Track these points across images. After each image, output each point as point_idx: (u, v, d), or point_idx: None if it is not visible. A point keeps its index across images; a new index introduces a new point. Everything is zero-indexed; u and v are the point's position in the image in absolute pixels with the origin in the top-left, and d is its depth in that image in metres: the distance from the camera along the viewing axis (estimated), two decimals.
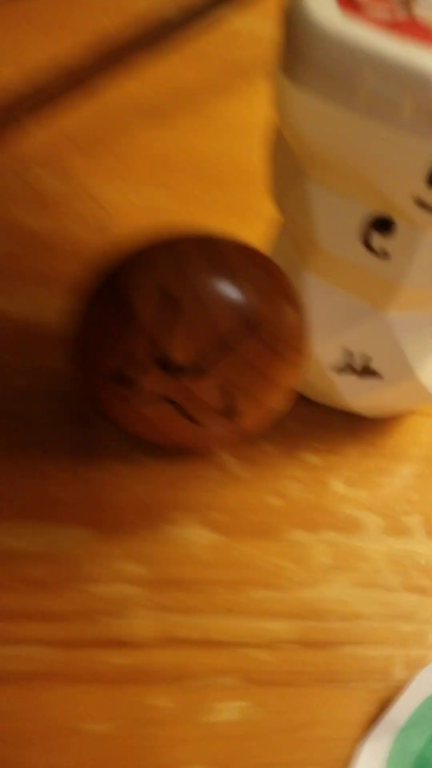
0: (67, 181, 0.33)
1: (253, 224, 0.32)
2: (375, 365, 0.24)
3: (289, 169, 0.22)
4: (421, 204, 0.19)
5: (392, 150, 0.18)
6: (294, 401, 0.27)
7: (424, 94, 0.17)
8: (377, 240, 0.21)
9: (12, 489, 0.23)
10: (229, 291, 0.21)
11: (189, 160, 0.35)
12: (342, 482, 0.25)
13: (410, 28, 0.18)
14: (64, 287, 0.26)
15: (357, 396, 0.25)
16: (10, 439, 0.24)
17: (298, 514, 0.24)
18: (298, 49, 0.18)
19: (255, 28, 0.39)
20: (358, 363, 0.24)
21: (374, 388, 0.25)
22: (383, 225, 0.20)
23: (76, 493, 0.23)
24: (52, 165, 0.33)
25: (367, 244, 0.21)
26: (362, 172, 0.19)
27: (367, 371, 0.24)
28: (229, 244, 0.22)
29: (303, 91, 0.18)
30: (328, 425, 0.27)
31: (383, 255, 0.21)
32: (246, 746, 0.20)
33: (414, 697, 0.20)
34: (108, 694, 0.20)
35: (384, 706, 0.20)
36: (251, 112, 0.33)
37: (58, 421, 0.24)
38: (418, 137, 0.18)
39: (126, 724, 0.20)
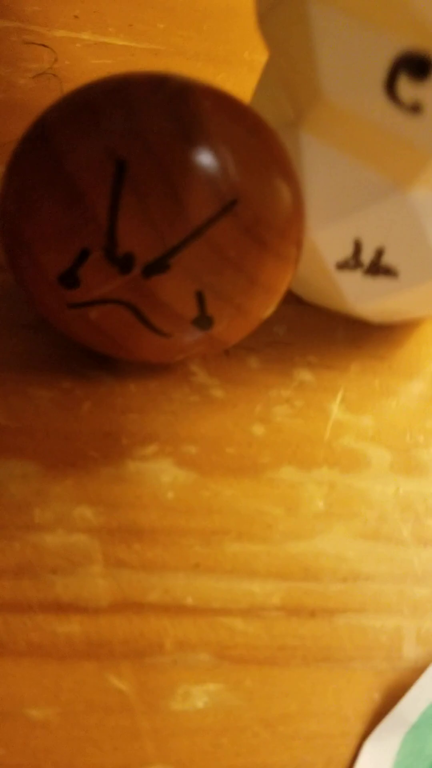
0: (10, 20, 0.26)
1: (236, 71, 0.26)
2: (390, 260, 0.19)
3: None
4: None
5: None
6: (284, 303, 0.22)
7: None
8: (407, 88, 0.15)
9: None
10: (200, 156, 0.15)
11: None
12: (341, 406, 0.20)
13: None
14: (5, 152, 0.21)
15: (363, 298, 0.20)
16: None
17: (287, 447, 0.19)
18: None
19: None
20: (368, 257, 0.19)
21: (386, 289, 0.20)
22: (418, 66, 0.15)
23: (23, 418, 0.18)
24: None
25: (393, 93, 0.15)
26: None
27: (378, 267, 0.19)
28: (201, 92, 0.16)
29: None
30: (325, 333, 0.22)
31: (414, 109, 0.15)
32: (217, 742, 0.16)
33: (430, 686, 0.15)
34: (54, 671, 0.16)
35: (391, 692, 0.16)
36: None
37: (1, 330, 0.19)
38: None
39: (74, 711, 0.16)
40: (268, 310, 0.19)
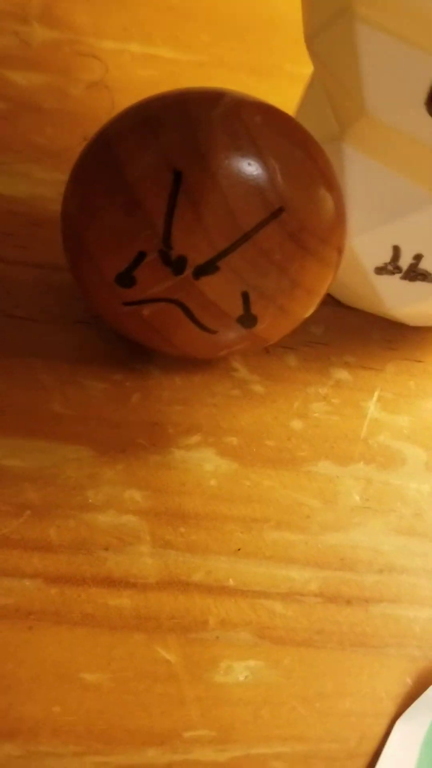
0: (62, 30, 0.28)
1: (279, 84, 0.27)
2: (427, 266, 0.20)
3: (334, 4, 0.17)
4: None
5: None
6: (322, 305, 0.23)
7: None
8: None
9: (5, 400, 0.19)
10: (250, 167, 0.16)
11: (202, 8, 0.29)
12: (377, 405, 0.21)
13: None
14: (62, 160, 0.22)
15: (401, 302, 0.21)
16: (3, 344, 0.20)
17: (324, 442, 0.20)
18: None
19: None
20: (406, 262, 0.20)
21: (423, 294, 0.21)
22: None
23: (78, 407, 0.19)
24: (47, 15, 0.27)
25: None
26: None
27: (416, 273, 0.20)
28: (252, 107, 0.17)
29: None
30: (363, 335, 0.23)
31: None
32: (257, 713, 0.17)
33: None
34: (106, 641, 0.17)
35: (423, 678, 0.17)
36: None
37: (58, 325, 0.20)
38: None
39: (124, 677, 0.17)
40: (309, 311, 0.20)
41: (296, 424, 0.21)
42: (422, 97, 0.16)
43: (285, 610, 0.18)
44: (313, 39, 0.18)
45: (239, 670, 0.17)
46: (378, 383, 0.22)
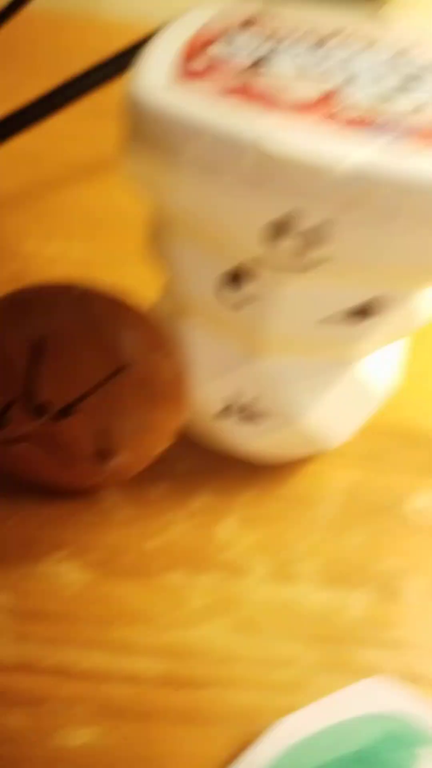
0: None
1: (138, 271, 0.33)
2: (258, 410, 0.25)
3: (157, 218, 0.23)
4: (269, 256, 0.20)
5: (230, 210, 0.19)
6: (189, 446, 0.28)
7: (246, 156, 0.18)
8: (236, 291, 0.22)
9: None
10: (98, 335, 0.22)
11: (115, 216, 0.37)
12: (230, 526, 0.26)
13: (248, 93, 0.19)
14: None
15: (242, 441, 0.26)
16: None
17: (179, 557, 0.25)
18: (131, 122, 0.19)
19: None
20: (241, 408, 0.25)
21: (258, 434, 0.25)
22: (241, 276, 0.21)
23: None
24: None
25: (229, 294, 0.22)
26: (212, 229, 0.20)
27: (250, 416, 0.25)
28: (98, 294, 0.23)
29: (141, 159, 0.19)
30: (222, 470, 0.27)
31: (244, 304, 0.22)
32: None
33: (273, 744, 0.20)
34: None
35: (243, 750, 0.20)
36: None
37: None
38: (252, 196, 0.18)
39: None
40: (161, 447, 0.25)
41: (153, 544, 0.25)
42: (219, 283, 0.22)
43: (126, 691, 0.21)
44: (150, 248, 0.24)
45: (80, 736, 0.21)
46: (235, 507, 0.26)
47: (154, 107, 0.18)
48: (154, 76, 0.19)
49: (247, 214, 0.19)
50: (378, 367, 0.25)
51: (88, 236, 0.36)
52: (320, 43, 0.22)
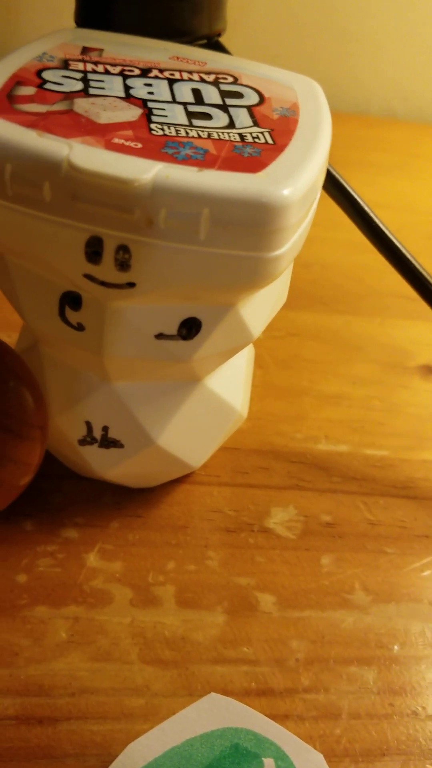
0: None
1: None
2: (114, 434, 0.25)
3: None
4: (90, 278, 0.20)
5: (50, 233, 0.19)
6: (61, 477, 0.28)
7: (56, 176, 0.18)
8: (71, 314, 0.22)
9: None
10: None
11: None
12: (96, 555, 0.25)
13: (58, 121, 0.19)
14: None
15: (105, 466, 0.26)
16: None
17: (43, 590, 0.24)
18: None
19: None
20: (98, 434, 0.25)
21: (119, 458, 0.25)
22: (73, 300, 0.21)
23: None
24: None
25: (65, 319, 0.22)
26: (36, 256, 0.20)
27: (107, 441, 0.25)
28: None
29: None
30: (94, 499, 0.27)
31: (80, 328, 0.22)
32: None
33: None
34: None
35: None
36: None
37: None
38: (65, 219, 0.19)
39: None
40: (24, 479, 0.25)
41: (21, 578, 0.24)
42: (55, 308, 0.22)
43: None
44: None
45: None
46: (101, 537, 0.26)
47: None
48: None
49: (66, 235, 0.19)
50: (223, 387, 0.25)
51: None
52: (142, 74, 0.22)
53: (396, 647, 0.24)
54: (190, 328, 0.21)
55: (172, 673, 0.23)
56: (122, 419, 0.24)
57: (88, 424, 0.25)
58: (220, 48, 0.25)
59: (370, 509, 0.28)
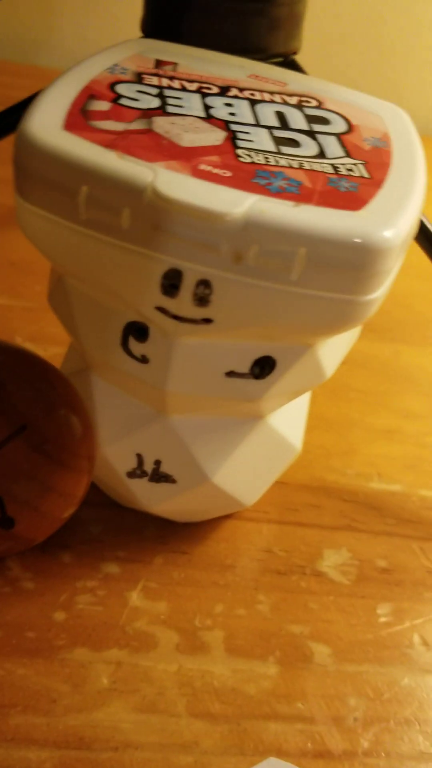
0: None
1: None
2: (166, 469, 0.24)
3: (56, 274, 0.22)
4: (163, 311, 0.19)
5: (123, 262, 0.18)
6: (101, 506, 0.26)
7: (138, 204, 0.17)
8: (135, 346, 0.20)
9: None
10: None
11: (39, 264, 0.35)
12: (140, 594, 0.24)
13: (138, 141, 0.18)
14: None
15: (154, 500, 0.24)
16: None
17: (83, 630, 0.23)
18: (23, 166, 0.18)
19: None
20: (149, 467, 0.24)
21: (169, 493, 0.24)
22: (139, 331, 0.20)
23: None
24: None
25: (128, 350, 0.21)
26: (103, 283, 0.19)
27: (158, 475, 0.24)
28: (5, 350, 0.21)
29: (31, 207, 0.18)
30: (137, 531, 0.26)
31: (143, 360, 0.20)
32: None
33: None
34: None
35: None
36: None
37: None
38: (142, 249, 0.17)
39: None
40: (68, 512, 0.23)
41: (59, 616, 0.23)
42: (118, 339, 0.21)
43: None
44: (52, 303, 0.22)
45: None
46: (144, 574, 0.25)
47: (49, 150, 0.17)
48: (47, 117, 0.18)
49: (141, 265, 0.18)
50: (284, 424, 0.24)
51: (8, 284, 0.35)
52: (221, 92, 0.21)
53: None
54: (263, 367, 0.20)
55: (223, 728, 0.21)
56: (176, 454, 0.23)
57: (139, 457, 0.24)
58: (295, 67, 0.24)
59: (427, 555, 0.26)
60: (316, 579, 0.25)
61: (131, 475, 0.24)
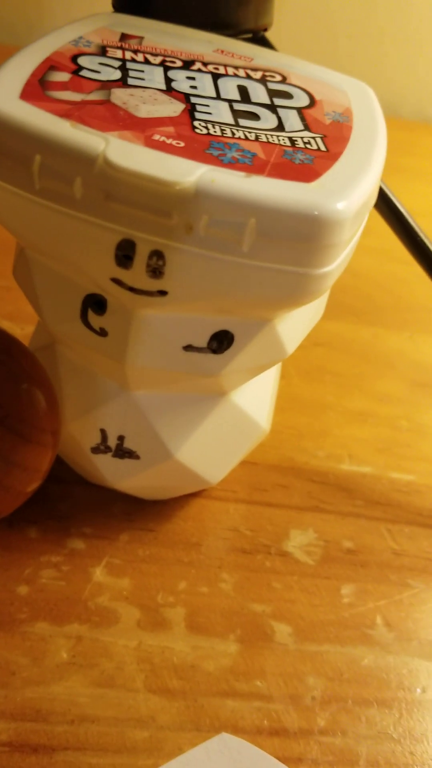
0: None
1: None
2: (129, 445, 0.23)
3: (19, 247, 0.22)
4: (118, 282, 0.18)
5: (78, 232, 0.18)
6: (71, 483, 0.26)
7: (89, 173, 0.17)
8: (94, 319, 0.20)
9: None
10: None
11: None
12: (104, 570, 0.24)
13: (93, 112, 0.18)
14: None
15: (118, 476, 0.24)
16: None
17: (45, 605, 0.23)
18: None
19: None
20: (112, 443, 0.24)
21: (133, 469, 0.24)
22: (98, 304, 0.20)
23: None
24: None
25: (87, 323, 0.21)
26: (61, 255, 0.19)
27: (122, 451, 0.24)
28: None
29: None
30: (105, 508, 0.26)
31: (102, 333, 0.20)
32: None
33: None
34: None
35: None
36: None
37: None
38: (95, 218, 0.17)
39: None
40: (31, 486, 0.23)
41: (22, 590, 0.23)
42: (77, 311, 0.20)
43: None
44: (15, 274, 0.22)
45: None
46: (109, 551, 0.25)
47: (3, 119, 0.17)
48: (4, 87, 0.18)
49: (95, 236, 0.17)
50: (249, 402, 0.24)
51: None
52: (184, 66, 0.21)
53: (418, 690, 0.22)
54: (221, 341, 0.19)
55: (180, 704, 0.21)
56: (139, 430, 0.23)
57: (103, 432, 0.24)
58: (265, 44, 0.24)
59: (394, 537, 0.26)
60: (281, 559, 0.25)
61: (95, 450, 0.24)
